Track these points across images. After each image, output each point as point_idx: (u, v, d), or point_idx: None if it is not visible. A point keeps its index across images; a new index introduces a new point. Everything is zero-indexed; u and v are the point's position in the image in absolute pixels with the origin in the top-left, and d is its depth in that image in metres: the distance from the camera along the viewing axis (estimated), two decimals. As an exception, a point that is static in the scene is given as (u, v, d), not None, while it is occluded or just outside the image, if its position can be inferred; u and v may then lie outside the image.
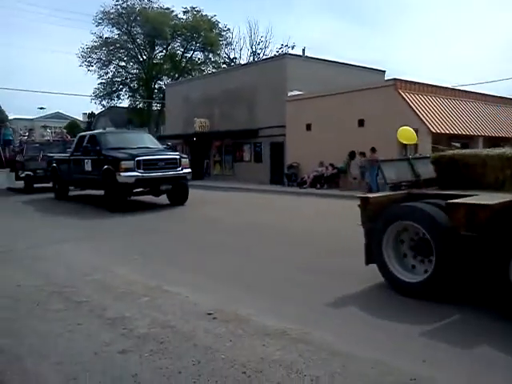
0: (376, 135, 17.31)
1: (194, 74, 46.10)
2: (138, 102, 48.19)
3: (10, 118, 59.43)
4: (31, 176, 18.20)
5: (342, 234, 8.53)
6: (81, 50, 45.82)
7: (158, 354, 3.67)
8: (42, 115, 57.23)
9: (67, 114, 61.15)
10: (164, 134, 34.92)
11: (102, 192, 13.50)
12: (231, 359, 3.53)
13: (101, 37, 45.78)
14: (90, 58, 46.20)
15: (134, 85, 48.90)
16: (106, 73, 47.13)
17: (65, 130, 21.83)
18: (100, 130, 14.83)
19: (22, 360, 3.64)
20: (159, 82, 48.38)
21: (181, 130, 29.45)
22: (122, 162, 11.92)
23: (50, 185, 17.07)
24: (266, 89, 23.47)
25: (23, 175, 18.64)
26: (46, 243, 8.37)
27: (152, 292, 5.29)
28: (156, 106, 47.45)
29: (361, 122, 18.82)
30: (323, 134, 19.80)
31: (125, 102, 48.56)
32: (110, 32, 46.16)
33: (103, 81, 47.16)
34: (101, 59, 46.67)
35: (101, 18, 44.54)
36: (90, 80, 57.27)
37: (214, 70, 42.95)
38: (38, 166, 17.73)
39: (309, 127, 21.11)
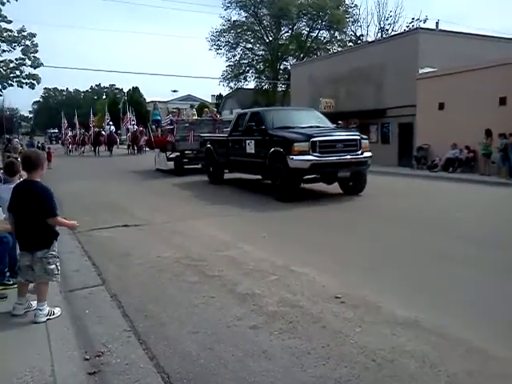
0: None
1: (319, 53, 45.62)
2: (263, 84, 49.02)
3: (147, 100, 64.52)
4: (182, 157, 17.36)
5: None
6: (210, 33, 47.73)
7: (287, 332, 3.75)
8: (174, 97, 60.98)
9: (197, 96, 64.44)
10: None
11: (258, 177, 12.74)
12: (361, 345, 3.49)
13: (229, 20, 47.24)
14: (218, 42, 47.98)
15: (260, 66, 49.80)
16: (234, 55, 48.61)
17: (215, 109, 21.01)
18: (264, 108, 12.86)
19: (164, 326, 3.96)
20: (284, 62, 48.69)
21: (306, 111, 29.36)
22: (295, 144, 10.06)
23: (199, 166, 16.47)
24: (395, 67, 22.36)
25: (172, 156, 17.99)
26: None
27: (279, 270, 5.40)
28: (281, 87, 47.87)
29: (502, 101, 17.13)
30: (458, 113, 18.39)
31: (251, 84, 49.77)
32: (237, 15, 47.45)
33: (231, 63, 48.72)
34: (229, 42, 48.19)
35: (229, 2, 45.86)
36: (218, 63, 59.65)
37: (339, 49, 42.01)
38: (189, 147, 16.95)
39: (441, 106, 19.75)
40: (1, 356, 3.28)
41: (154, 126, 20.35)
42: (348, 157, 10.41)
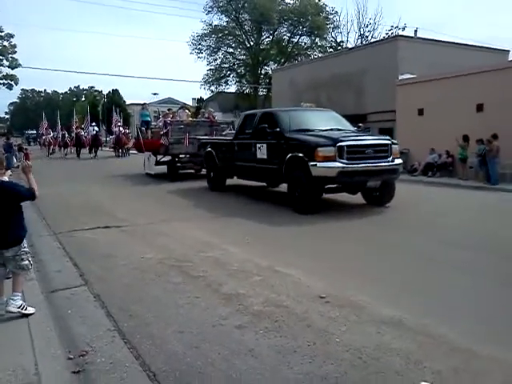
0: (497, 121, 16.00)
1: (300, 58, 46.02)
2: (244, 88, 49.18)
3: (127, 103, 64.02)
4: (176, 161, 15.97)
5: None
6: (191, 37, 47.74)
7: (272, 331, 3.76)
8: (154, 100, 60.63)
9: (178, 99, 64.16)
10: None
11: (261, 184, 12.20)
12: (346, 344, 3.51)
13: (210, 24, 47.33)
14: (199, 46, 48.03)
15: (241, 70, 49.98)
16: (215, 59, 48.76)
17: (212, 110, 19.11)
18: (277, 108, 11.32)
19: (149, 325, 3.93)
20: (265, 67, 49.00)
21: (286, 115, 29.51)
22: (320, 149, 8.76)
23: (193, 171, 15.82)
24: (375, 73, 22.69)
25: (163, 160, 16.72)
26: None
27: (264, 271, 5.41)
28: (262, 91, 48.08)
29: (479, 107, 17.51)
30: (437, 119, 18.72)
31: (232, 88, 49.90)
32: (218, 20, 47.64)
33: (212, 67, 48.83)
34: (210, 46, 48.31)
35: (210, 6, 46.04)
36: (200, 66, 59.67)
37: (320, 55, 42.43)
38: (184, 150, 15.63)
39: (421, 112, 20.06)
40: (-18, 355, 3.22)
41: (143, 128, 19.16)
42: (380, 164, 9.18)
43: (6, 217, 4.03)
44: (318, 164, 8.77)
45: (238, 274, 5.32)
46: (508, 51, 24.92)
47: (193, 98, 63.15)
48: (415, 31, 26.12)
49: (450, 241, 6.90)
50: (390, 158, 9.40)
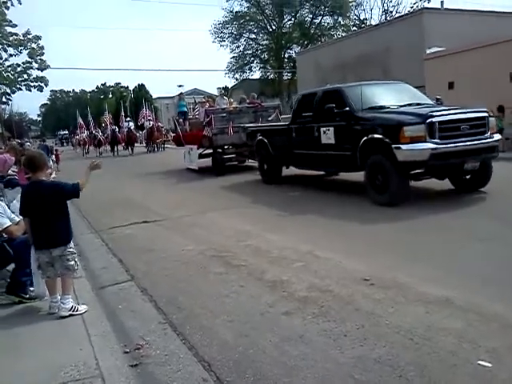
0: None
1: (323, 39, 45.36)
2: (269, 73, 48.92)
3: (153, 97, 64.65)
4: (221, 153, 14.74)
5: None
6: (213, 26, 47.67)
7: (320, 316, 3.78)
8: (180, 92, 60.95)
9: (203, 90, 64.37)
10: (296, 103, 35.01)
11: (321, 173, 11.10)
12: (396, 325, 3.50)
13: (231, 11, 47.14)
14: (221, 34, 47.97)
15: (265, 56, 49.75)
16: (238, 46, 48.69)
17: (255, 95, 17.54)
18: (344, 84, 10.18)
19: (198, 316, 4.01)
20: (289, 51, 48.65)
21: (313, 98, 29.25)
22: (406, 128, 7.43)
23: (236, 163, 14.89)
24: (401, 48, 22.21)
25: (206, 153, 15.37)
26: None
27: (304, 257, 5.42)
28: (287, 75, 47.74)
29: (513, 76, 16.95)
30: (468, 92, 18.19)
31: (256, 74, 49.72)
32: (239, 6, 47.39)
33: (235, 54, 48.77)
34: (232, 33, 48.21)
35: (231, -7, 45.70)
36: (223, 55, 59.56)
37: (344, 34, 41.73)
38: (229, 141, 14.41)
39: (451, 85, 19.54)
40: (46, 352, 3.36)
41: (181, 120, 17.88)
42: (478, 142, 7.72)
43: (53, 215, 4.15)
44: (404, 146, 7.43)
45: (279, 261, 5.36)
46: (541, 15, 23.89)
47: (218, 88, 63.22)
48: (441, 2, 25.32)
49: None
50: (488, 134, 7.91)
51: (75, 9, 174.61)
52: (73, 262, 4.24)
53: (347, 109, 8.69)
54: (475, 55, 18.17)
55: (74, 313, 4.04)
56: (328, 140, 9.16)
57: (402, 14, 35.03)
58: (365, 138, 8.11)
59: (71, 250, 4.27)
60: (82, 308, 4.13)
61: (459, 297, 3.90)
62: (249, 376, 3.02)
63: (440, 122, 7.47)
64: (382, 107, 8.67)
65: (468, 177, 8.35)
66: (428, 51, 20.78)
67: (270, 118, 14.77)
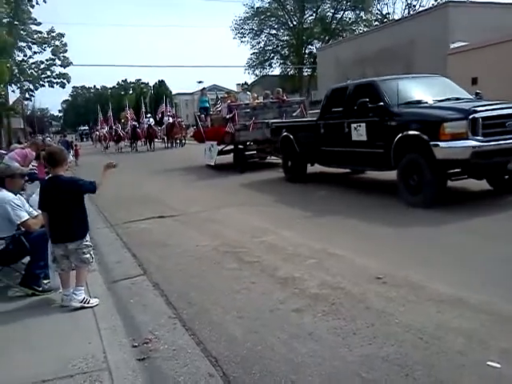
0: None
1: (345, 35, 45.00)
2: (289, 69, 48.77)
3: (173, 93, 65.08)
4: (244, 150, 14.24)
5: None
6: (234, 22, 47.70)
7: (330, 314, 3.75)
8: (200, 88, 61.19)
9: (223, 86, 64.51)
10: (315, 99, 34.86)
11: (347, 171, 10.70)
12: (406, 324, 3.45)
13: (252, 7, 47.08)
14: (242, 30, 48.02)
15: (285, 52, 49.62)
16: (258, 42, 48.69)
17: (280, 90, 16.75)
18: (379, 78, 9.49)
19: (208, 312, 4.02)
20: (310, 46, 48.40)
21: (333, 94, 29.08)
22: (446, 124, 6.91)
23: (257, 160, 14.45)
24: (424, 43, 21.89)
25: (226, 149, 15.03)
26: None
27: (318, 254, 5.38)
28: (307, 71, 47.52)
29: (539, 71, 16.59)
30: (492, 87, 17.87)
31: (276, 70, 49.64)
32: (260, 1, 47.18)
33: (255, 50, 48.80)
34: (253, 29, 48.18)
35: (253, -12, 45.66)
36: (243, 51, 59.46)
37: (365, 29, 41.29)
38: (251, 137, 13.91)
39: (475, 81, 19.19)
40: (55, 344, 3.41)
41: (202, 115, 17.45)
42: None
43: (70, 210, 4.21)
44: (444, 144, 6.88)
45: (292, 258, 5.33)
46: None
47: (237, 84, 63.31)
48: (467, -5, 24.90)
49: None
50: None
51: (97, 7, 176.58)
52: (88, 255, 4.31)
53: (381, 104, 8.22)
54: (500, 50, 17.83)
55: (86, 305, 4.10)
56: (359, 137, 8.73)
57: (426, 7, 34.48)
58: (401, 134, 7.60)
59: (87, 243, 4.33)
60: (94, 301, 4.18)
61: (472, 296, 3.82)
62: (255, 372, 3.01)
63: (484, 118, 6.90)
64: (418, 102, 8.20)
65: (507, 177, 7.80)
66: (452, 46, 20.46)
67: (294, 114, 14.39)
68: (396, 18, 38.70)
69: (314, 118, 10.67)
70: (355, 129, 8.75)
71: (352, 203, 8.17)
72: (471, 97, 8.75)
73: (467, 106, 7.32)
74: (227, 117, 14.23)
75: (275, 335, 3.47)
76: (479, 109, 6.98)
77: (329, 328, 3.52)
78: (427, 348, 3.11)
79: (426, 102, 8.13)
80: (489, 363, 2.85)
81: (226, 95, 17.44)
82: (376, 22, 44.39)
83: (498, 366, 2.82)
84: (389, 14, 44.39)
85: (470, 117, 6.84)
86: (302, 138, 10.92)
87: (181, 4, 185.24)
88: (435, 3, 35.58)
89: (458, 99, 8.26)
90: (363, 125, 8.56)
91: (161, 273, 5.22)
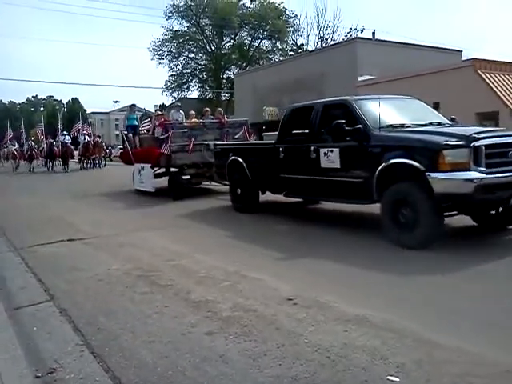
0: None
1: (261, 62, 46.43)
2: (207, 93, 49.23)
3: (87, 111, 63.04)
4: (180, 174, 13.05)
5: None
6: (152, 43, 47.49)
7: (242, 336, 3.80)
8: (116, 108, 59.86)
9: (140, 107, 63.57)
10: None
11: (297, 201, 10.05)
12: (314, 344, 3.59)
13: (171, 30, 47.33)
14: (160, 51, 48.00)
15: (203, 75, 50.11)
16: (176, 65, 48.84)
17: (221, 110, 15.89)
18: (353, 97, 8.32)
19: (118, 338, 3.90)
20: (227, 71, 49.32)
21: (250, 120, 29.65)
22: (447, 152, 5.94)
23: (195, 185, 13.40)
24: (335, 75, 23.15)
25: (160, 172, 13.94)
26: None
27: (232, 277, 5.44)
28: (225, 96, 48.23)
29: (435, 106, 18.08)
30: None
31: (194, 93, 49.91)
32: (179, 25, 47.72)
33: (173, 73, 48.88)
34: (171, 52, 48.27)
35: (170, 12, 46.12)
36: (161, 73, 59.21)
37: (281, 58, 42.93)
38: (190, 160, 12.76)
39: (380, 113, 20.60)
40: None
41: (130, 135, 15.97)
42: None
43: None
44: (443, 175, 5.94)
45: (206, 281, 5.34)
46: (461, 51, 25.85)
47: (154, 105, 62.74)
48: (373, 33, 26.80)
49: None
50: None
51: (17, 19, 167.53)
52: None
53: (359, 126, 7.09)
54: (403, 85, 19.26)
55: None
56: (330, 164, 7.59)
57: (337, 41, 36.54)
58: (385, 163, 6.56)
59: None
60: None
61: (376, 315, 4.06)
62: (165, 398, 2.97)
63: (487, 146, 6.03)
64: (402, 125, 7.24)
65: (494, 212, 7.04)
66: (360, 79, 21.81)
67: (237, 136, 13.61)
68: (310, 49, 40.69)
69: (272, 141, 9.33)
70: (325, 154, 7.63)
71: (270, 230, 8.41)
72: (446, 121, 7.91)
73: (466, 131, 6.43)
74: (161, 137, 13.09)
75: (186, 359, 3.45)
76: (481, 135, 6.14)
77: (240, 350, 3.56)
78: (334, 366, 3.24)
79: (409, 126, 7.21)
80: (389, 378, 3.04)
81: (159, 112, 16.54)
82: (291, 52, 46.32)
83: (397, 379, 3.01)
84: (303, 44, 46.53)
85: (472, 144, 5.96)
86: (255, 163, 9.72)
87: (96, 22, 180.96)
88: (345, 38, 37.89)
89: (439, 124, 7.48)
90: (336, 150, 7.45)
91: (69, 298, 4.99)
